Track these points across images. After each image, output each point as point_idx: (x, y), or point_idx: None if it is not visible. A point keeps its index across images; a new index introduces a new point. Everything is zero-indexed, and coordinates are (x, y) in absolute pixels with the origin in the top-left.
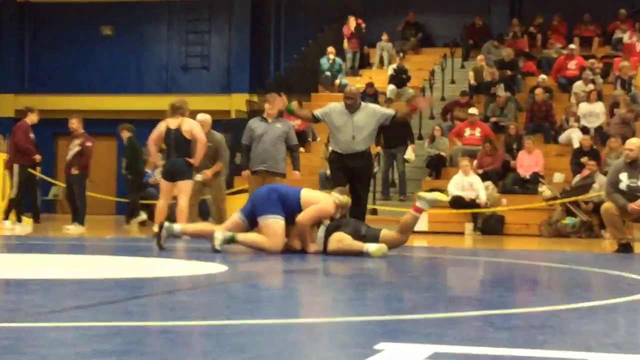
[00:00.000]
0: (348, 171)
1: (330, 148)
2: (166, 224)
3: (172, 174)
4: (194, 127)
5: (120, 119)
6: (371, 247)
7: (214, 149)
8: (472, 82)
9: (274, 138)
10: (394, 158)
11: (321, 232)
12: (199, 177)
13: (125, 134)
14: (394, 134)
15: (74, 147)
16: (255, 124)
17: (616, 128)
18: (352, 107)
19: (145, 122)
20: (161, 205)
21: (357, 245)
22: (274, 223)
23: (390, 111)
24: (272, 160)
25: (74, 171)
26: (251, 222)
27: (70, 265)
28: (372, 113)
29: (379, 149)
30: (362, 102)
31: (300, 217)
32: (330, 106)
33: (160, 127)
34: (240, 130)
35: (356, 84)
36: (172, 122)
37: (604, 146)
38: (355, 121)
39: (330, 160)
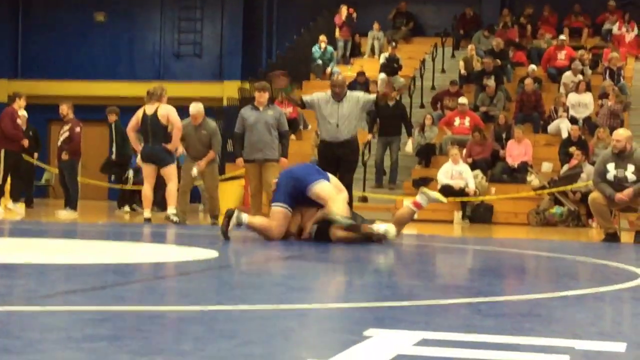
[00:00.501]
0: (335, 159)
1: (316, 137)
2: (236, 212)
3: (152, 159)
4: (170, 112)
5: (112, 105)
6: (382, 227)
7: (208, 137)
8: (463, 71)
9: (267, 125)
10: (389, 146)
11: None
12: (195, 171)
13: (112, 118)
14: (390, 122)
15: (64, 133)
16: (247, 112)
17: (605, 119)
18: (339, 96)
19: (137, 109)
20: (147, 189)
21: (366, 228)
22: (328, 185)
23: (371, 97)
24: (267, 148)
25: (64, 156)
26: (293, 204)
27: (62, 250)
28: (355, 101)
29: (370, 137)
30: (348, 91)
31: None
32: (317, 94)
33: (138, 114)
34: (232, 118)
35: (347, 72)
36: (148, 109)
37: (592, 136)
38: (341, 110)
39: (318, 149)
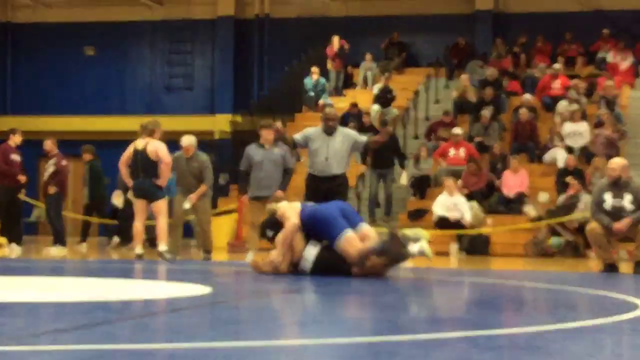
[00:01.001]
0: (323, 193)
1: (307, 171)
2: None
3: (142, 194)
4: (159, 149)
5: (103, 140)
6: (415, 247)
7: (199, 169)
8: (457, 101)
9: (274, 163)
10: (382, 178)
11: (311, 251)
12: (187, 205)
13: (87, 157)
14: (383, 154)
15: (49, 167)
16: (253, 150)
17: (601, 148)
18: (331, 129)
19: (128, 144)
20: (138, 225)
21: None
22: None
23: (363, 139)
24: (274, 185)
25: (50, 190)
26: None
27: (52, 288)
28: (347, 138)
29: (363, 168)
30: (339, 126)
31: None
32: (307, 130)
33: (129, 149)
34: (224, 151)
35: (340, 104)
36: (139, 143)
37: (589, 165)
38: (331, 144)
39: (306, 183)
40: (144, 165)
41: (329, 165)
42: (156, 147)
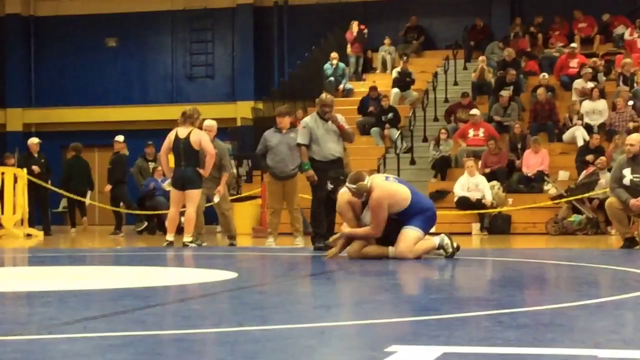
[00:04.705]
0: (328, 177)
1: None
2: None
3: (182, 182)
4: (203, 139)
5: (126, 130)
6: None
7: (218, 157)
8: (475, 83)
9: (289, 147)
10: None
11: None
12: (217, 198)
13: (71, 153)
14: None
15: None
16: (270, 135)
17: (621, 125)
18: (327, 115)
19: (151, 133)
20: (173, 213)
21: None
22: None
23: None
24: (288, 167)
25: None
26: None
27: (81, 276)
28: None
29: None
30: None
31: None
32: (305, 125)
33: (170, 136)
34: (246, 138)
35: (360, 88)
36: (181, 131)
37: (608, 143)
38: (331, 128)
39: (315, 170)
40: (187, 153)
41: (334, 148)
42: (200, 137)
